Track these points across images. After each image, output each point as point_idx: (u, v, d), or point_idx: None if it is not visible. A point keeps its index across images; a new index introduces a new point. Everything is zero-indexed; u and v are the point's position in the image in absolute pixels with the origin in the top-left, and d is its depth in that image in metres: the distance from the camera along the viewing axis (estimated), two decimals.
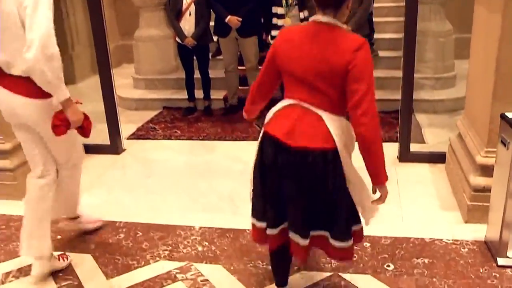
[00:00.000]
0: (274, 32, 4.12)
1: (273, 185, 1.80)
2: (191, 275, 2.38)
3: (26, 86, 2.01)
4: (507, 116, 2.19)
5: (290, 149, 1.71)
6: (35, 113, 2.07)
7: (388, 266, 2.37)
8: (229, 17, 4.31)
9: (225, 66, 4.63)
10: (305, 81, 1.73)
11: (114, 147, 3.92)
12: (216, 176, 3.50)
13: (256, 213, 1.92)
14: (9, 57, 2.02)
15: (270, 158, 1.77)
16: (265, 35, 4.43)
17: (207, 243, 2.65)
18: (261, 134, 1.86)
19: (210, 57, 4.84)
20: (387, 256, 2.45)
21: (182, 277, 2.36)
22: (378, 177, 1.77)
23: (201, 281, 2.33)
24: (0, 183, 3.22)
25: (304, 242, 1.80)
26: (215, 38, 4.73)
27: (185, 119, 4.63)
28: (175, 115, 4.77)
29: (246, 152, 3.92)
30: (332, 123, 1.71)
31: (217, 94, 4.86)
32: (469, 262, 2.36)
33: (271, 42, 3.69)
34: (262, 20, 4.42)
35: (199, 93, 4.77)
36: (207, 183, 3.38)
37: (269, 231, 1.86)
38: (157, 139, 4.23)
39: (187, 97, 4.79)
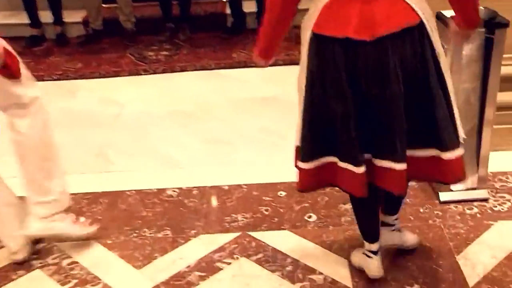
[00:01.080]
0: None
1: (348, 103, 1.69)
2: (53, 258, 2.26)
3: None
4: (443, 15, 2.23)
5: (369, 44, 1.63)
6: None
7: (310, 217, 2.44)
8: None
9: None
10: None
11: None
12: (82, 125, 3.37)
13: (313, 150, 1.79)
14: None
15: (340, 67, 1.66)
16: None
17: (73, 214, 2.51)
18: (308, 40, 1.71)
19: None
20: (307, 205, 2.52)
21: (41, 263, 2.24)
22: (475, 18, 1.84)
23: (67, 264, 2.22)
24: None
25: (401, 166, 1.73)
26: None
27: (29, 52, 4.37)
28: (15, 48, 4.39)
29: (119, 91, 3.87)
30: None
31: (72, 17, 4.63)
32: (406, 202, 2.49)
33: None
34: None
35: (46, 16, 4.51)
36: (69, 136, 3.22)
37: (357, 170, 1.75)
38: None
39: (29, 22, 4.50)
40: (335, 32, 1.66)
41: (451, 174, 1.80)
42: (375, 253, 2.01)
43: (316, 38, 1.70)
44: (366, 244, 2.02)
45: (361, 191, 1.79)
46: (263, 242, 2.29)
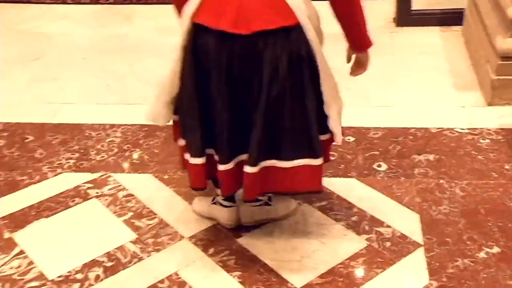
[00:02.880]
0: None
1: (222, 96, 1.76)
2: (109, 189, 2.36)
3: None
4: None
5: (244, 39, 1.68)
6: None
7: (379, 166, 2.43)
8: None
9: None
10: None
11: None
12: (138, 55, 3.41)
13: (194, 145, 1.85)
14: None
15: (213, 59, 1.73)
16: None
17: (130, 146, 2.62)
18: (185, 29, 1.75)
19: None
20: (377, 153, 2.50)
21: (97, 192, 2.34)
22: (362, 40, 1.84)
23: (123, 196, 2.32)
24: None
25: (252, 169, 1.79)
26: None
27: None
28: None
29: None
30: None
31: None
32: (490, 157, 2.44)
33: None
34: None
35: None
36: (126, 65, 3.30)
37: (222, 167, 1.83)
38: (44, 2, 4.04)
39: None
40: (211, 23, 1.70)
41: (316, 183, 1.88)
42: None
43: (194, 28, 1.73)
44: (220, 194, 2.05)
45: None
46: (328, 189, 2.30)
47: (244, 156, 1.82)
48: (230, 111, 1.77)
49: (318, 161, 1.82)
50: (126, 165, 2.50)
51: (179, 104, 1.88)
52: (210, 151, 1.86)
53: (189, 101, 1.81)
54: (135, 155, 2.56)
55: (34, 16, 3.88)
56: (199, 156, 1.84)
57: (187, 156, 1.88)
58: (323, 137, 1.87)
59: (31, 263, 2.00)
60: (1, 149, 2.61)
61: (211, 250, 2.04)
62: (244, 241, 2.07)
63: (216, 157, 1.85)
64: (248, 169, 1.79)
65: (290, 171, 1.83)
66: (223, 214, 2.11)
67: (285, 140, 1.80)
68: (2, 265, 1.99)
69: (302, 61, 1.73)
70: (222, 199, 2.08)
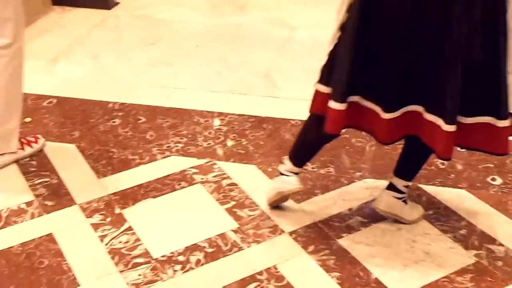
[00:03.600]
0: None
1: (394, 47, 1.69)
2: (214, 176, 2.40)
3: None
4: None
5: None
6: None
7: (494, 179, 2.32)
8: None
9: None
10: None
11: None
12: (249, 44, 3.45)
13: (339, 90, 1.81)
14: None
15: (398, 12, 1.65)
16: None
17: (236, 135, 2.65)
18: None
19: None
20: (492, 165, 2.39)
21: (202, 178, 2.39)
22: None
23: (227, 185, 2.35)
24: None
25: (449, 128, 1.73)
26: None
27: None
28: None
29: (291, 12, 3.87)
30: None
31: None
32: None
33: None
34: None
35: None
36: (236, 54, 3.34)
37: (386, 115, 1.78)
38: None
39: None
40: None
41: (500, 146, 1.78)
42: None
43: None
44: (290, 164, 2.09)
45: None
46: (435, 199, 2.22)
47: (412, 107, 1.79)
48: (400, 62, 1.71)
49: (503, 123, 1.74)
50: (231, 154, 2.53)
51: (332, 56, 1.87)
52: (354, 98, 1.82)
53: (347, 48, 1.77)
54: (241, 145, 2.58)
55: (153, 2, 4.01)
56: (342, 102, 1.80)
57: (330, 103, 1.83)
58: None
59: (138, 239, 2.08)
60: (117, 128, 2.71)
61: (310, 248, 2.02)
62: (344, 242, 2.04)
63: (368, 105, 1.83)
64: (446, 127, 1.73)
65: (472, 127, 1.77)
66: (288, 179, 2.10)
67: (472, 97, 1.73)
68: (112, 238, 2.08)
69: (497, 16, 1.63)
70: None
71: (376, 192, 2.24)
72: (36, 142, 2.52)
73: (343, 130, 1.92)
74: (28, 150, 2.48)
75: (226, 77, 3.15)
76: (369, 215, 2.16)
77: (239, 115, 2.79)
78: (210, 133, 2.67)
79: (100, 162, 2.48)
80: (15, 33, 2.24)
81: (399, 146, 2.49)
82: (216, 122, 2.75)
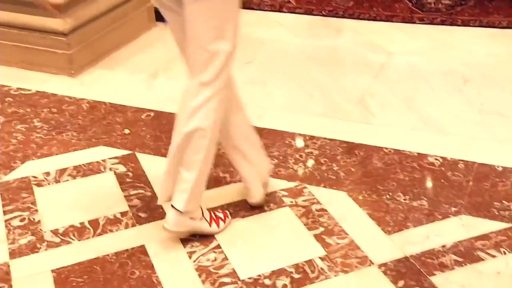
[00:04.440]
0: None
1: None
2: (304, 200, 2.38)
3: None
4: None
5: None
6: None
7: None
8: None
9: None
10: None
11: None
12: (344, 68, 3.42)
13: None
14: None
15: None
16: None
17: (327, 160, 2.62)
18: None
19: None
20: None
21: (291, 201, 2.38)
22: None
23: (316, 210, 2.32)
24: (48, 51, 3.36)
25: None
26: None
27: None
28: None
29: (389, 37, 3.82)
30: None
31: None
32: None
33: None
34: None
35: None
36: (330, 77, 3.32)
37: None
38: (262, 9, 4.20)
39: None
40: None
41: None
42: None
43: None
44: None
45: None
46: None
47: None
48: None
49: None
50: (322, 179, 2.51)
51: None
52: None
53: None
54: (332, 170, 2.56)
55: (251, 21, 4.06)
56: None
57: None
58: None
59: (225, 258, 2.10)
60: None
61: (400, 283, 1.96)
62: (437, 280, 1.96)
63: None
64: None
65: None
66: None
67: None
68: (200, 255, 2.11)
69: None
70: None
71: (473, 230, 2.15)
72: (224, 220, 2.26)
73: None
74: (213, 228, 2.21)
75: (319, 100, 3.14)
76: (465, 255, 2.06)
77: (331, 139, 2.76)
78: (301, 156, 2.66)
79: None
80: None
81: (499, 182, 2.40)
82: (308, 145, 2.74)
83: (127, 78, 3.39)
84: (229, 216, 2.28)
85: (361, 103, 3.07)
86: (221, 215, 2.25)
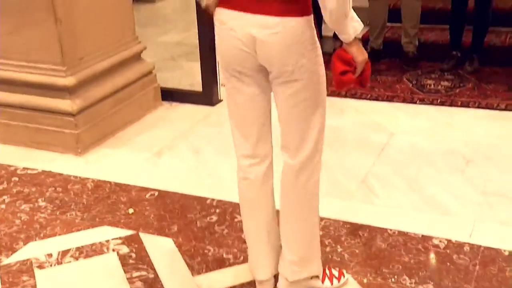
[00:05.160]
0: None
1: None
2: None
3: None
4: None
5: None
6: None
7: None
8: None
9: None
10: None
11: (207, 96, 4.05)
12: (347, 147, 3.45)
13: None
14: None
15: None
16: None
17: (331, 241, 2.60)
18: None
19: None
20: None
21: None
22: None
23: None
24: (56, 131, 3.43)
25: None
26: None
27: None
28: None
29: (390, 117, 3.87)
30: None
31: None
32: None
33: None
34: None
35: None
36: (333, 157, 3.34)
37: None
38: None
39: None
40: None
41: None
42: None
43: None
44: None
45: None
46: None
47: None
48: None
49: None
50: (326, 260, 2.47)
51: None
52: None
53: None
54: (336, 252, 2.53)
55: None
56: None
57: None
58: None
59: None
60: (213, 225, 2.75)
61: None
62: None
63: None
64: None
65: None
66: None
67: None
68: None
69: None
70: None
71: None
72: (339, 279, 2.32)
73: None
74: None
75: (323, 179, 3.12)
76: None
77: (334, 220, 2.75)
78: None
79: (196, 259, 2.50)
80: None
81: (507, 267, 2.37)
82: None
83: (132, 157, 3.43)
84: (345, 275, 2.34)
85: (364, 183, 3.08)
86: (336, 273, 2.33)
